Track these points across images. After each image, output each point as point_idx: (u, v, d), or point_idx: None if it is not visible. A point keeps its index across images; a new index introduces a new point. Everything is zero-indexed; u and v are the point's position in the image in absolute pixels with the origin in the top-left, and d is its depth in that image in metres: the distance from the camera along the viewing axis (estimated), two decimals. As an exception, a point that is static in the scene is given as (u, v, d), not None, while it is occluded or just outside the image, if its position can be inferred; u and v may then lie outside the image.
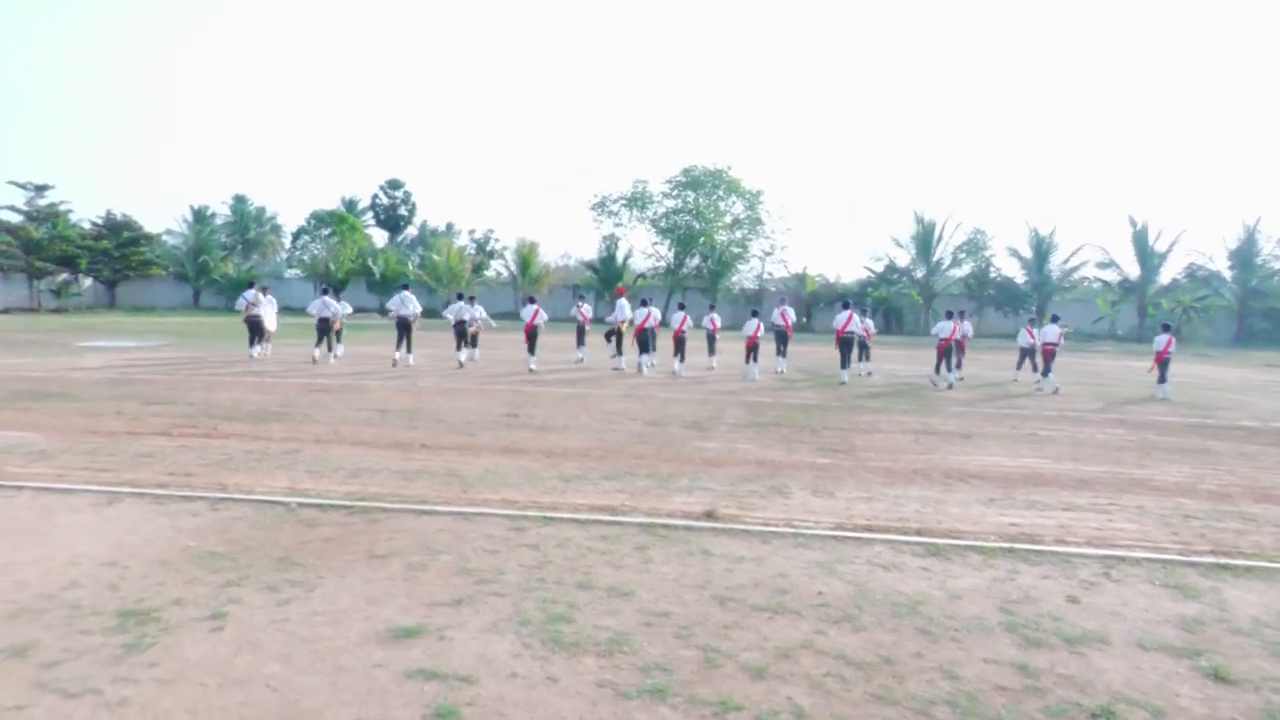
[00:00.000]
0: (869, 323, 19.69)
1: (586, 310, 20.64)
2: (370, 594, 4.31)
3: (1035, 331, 18.10)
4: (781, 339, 18.94)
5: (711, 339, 20.07)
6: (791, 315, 19.00)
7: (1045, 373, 16.90)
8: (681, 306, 18.69)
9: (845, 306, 17.75)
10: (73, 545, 4.97)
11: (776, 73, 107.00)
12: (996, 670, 3.65)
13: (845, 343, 16.94)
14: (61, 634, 3.72)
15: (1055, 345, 17.08)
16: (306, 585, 4.41)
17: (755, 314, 18.29)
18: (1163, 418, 12.99)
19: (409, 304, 17.72)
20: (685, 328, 18.01)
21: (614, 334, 18.83)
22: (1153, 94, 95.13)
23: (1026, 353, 18.18)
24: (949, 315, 18.03)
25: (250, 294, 18.32)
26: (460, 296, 19.72)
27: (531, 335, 17.49)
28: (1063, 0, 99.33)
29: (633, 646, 3.75)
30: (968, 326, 19.64)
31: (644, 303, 18.37)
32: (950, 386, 16.76)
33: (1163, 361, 15.87)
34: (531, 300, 18.23)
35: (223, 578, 4.48)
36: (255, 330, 18.27)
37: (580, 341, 20.20)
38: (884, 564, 5.11)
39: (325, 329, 17.96)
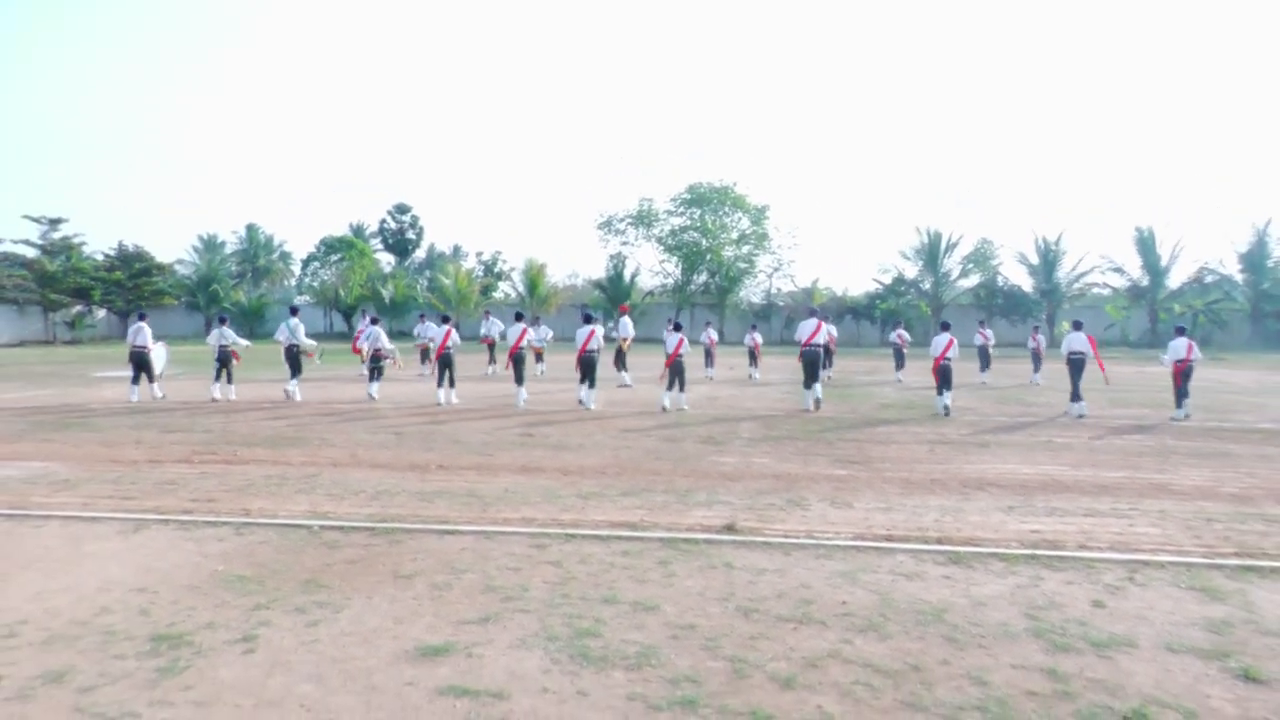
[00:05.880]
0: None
1: (491, 332, 13.51)
2: (397, 614, 4.35)
3: None
4: (812, 365, 14.18)
5: (709, 353, 22.32)
6: (822, 333, 14.16)
7: (1074, 396, 13.69)
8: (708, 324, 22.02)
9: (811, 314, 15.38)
10: (102, 572, 5.04)
11: (779, 88, 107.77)
12: (1025, 675, 3.65)
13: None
14: (96, 659, 3.77)
15: (1084, 355, 13.97)
16: (334, 606, 4.45)
17: (678, 327, 14.78)
18: (1179, 423, 12.91)
19: (494, 327, 21.26)
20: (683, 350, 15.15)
21: (620, 355, 18.73)
22: (1155, 98, 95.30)
23: None
24: (1180, 331, 13.70)
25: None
26: (422, 317, 17.96)
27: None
28: (1063, 6, 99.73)
29: (661, 659, 3.77)
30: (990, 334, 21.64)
31: (707, 324, 21.99)
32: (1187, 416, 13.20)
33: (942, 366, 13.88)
34: (445, 320, 15.88)
35: (251, 601, 4.53)
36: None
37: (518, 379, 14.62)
38: (906, 573, 5.12)
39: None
